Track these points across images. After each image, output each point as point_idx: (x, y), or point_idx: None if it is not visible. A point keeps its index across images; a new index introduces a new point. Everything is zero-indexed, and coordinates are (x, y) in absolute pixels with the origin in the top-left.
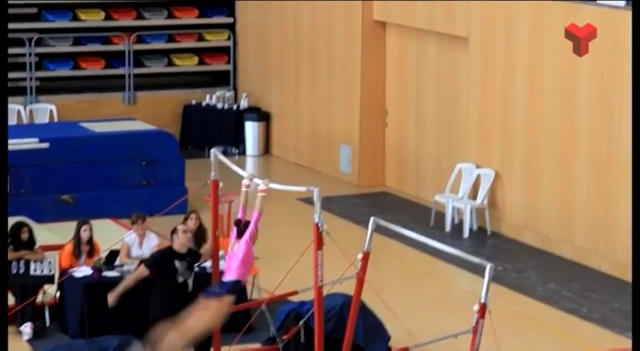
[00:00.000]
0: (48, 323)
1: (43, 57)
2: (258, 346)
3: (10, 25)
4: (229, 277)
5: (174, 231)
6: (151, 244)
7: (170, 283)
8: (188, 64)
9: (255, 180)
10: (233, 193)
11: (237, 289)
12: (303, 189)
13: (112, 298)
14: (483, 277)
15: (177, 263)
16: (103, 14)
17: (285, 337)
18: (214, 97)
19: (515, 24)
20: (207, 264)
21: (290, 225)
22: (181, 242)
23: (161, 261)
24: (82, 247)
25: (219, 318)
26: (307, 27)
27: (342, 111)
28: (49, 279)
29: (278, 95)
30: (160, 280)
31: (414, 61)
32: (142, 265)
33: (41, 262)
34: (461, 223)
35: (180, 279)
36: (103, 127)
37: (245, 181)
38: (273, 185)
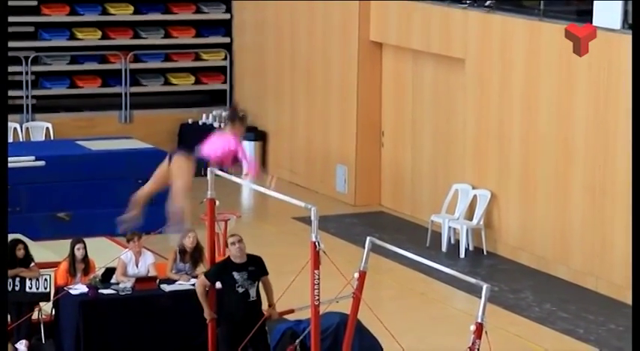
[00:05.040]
0: (43, 341)
1: (39, 75)
2: None
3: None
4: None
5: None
6: (147, 262)
7: (231, 294)
8: (184, 83)
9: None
10: (229, 211)
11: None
12: (301, 204)
13: (208, 315)
14: (479, 297)
15: (235, 275)
16: (99, 33)
17: None
18: (211, 116)
19: (511, 46)
20: None
21: (285, 244)
22: (233, 254)
23: (220, 272)
24: (77, 265)
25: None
26: (304, 47)
27: (338, 131)
28: (45, 296)
29: (274, 115)
30: (223, 291)
31: (410, 82)
32: (203, 275)
33: (37, 280)
34: (457, 243)
35: (240, 290)
36: (99, 145)
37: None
38: (274, 194)
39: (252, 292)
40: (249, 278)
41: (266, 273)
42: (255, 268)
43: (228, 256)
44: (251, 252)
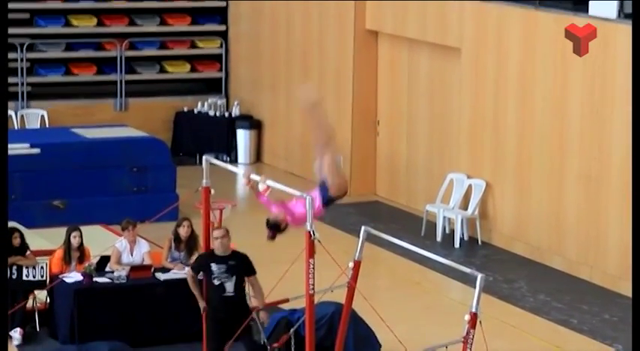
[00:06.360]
0: (38, 329)
1: (34, 62)
2: None
3: None
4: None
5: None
6: (142, 250)
7: (209, 287)
8: (180, 71)
9: (252, 176)
10: (224, 200)
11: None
12: (297, 193)
13: (200, 304)
14: (474, 287)
15: (213, 266)
16: (95, 20)
17: (275, 345)
18: (206, 104)
19: (507, 35)
20: None
21: None
22: (215, 246)
23: (201, 263)
24: (73, 253)
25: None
26: (299, 35)
27: (333, 120)
28: (42, 284)
29: (270, 103)
30: (205, 283)
31: (405, 71)
32: (189, 268)
33: (34, 268)
34: (452, 232)
35: (216, 282)
36: (94, 133)
37: (244, 180)
38: (270, 182)
39: (229, 287)
40: (227, 272)
41: (251, 273)
42: (237, 263)
43: (213, 248)
44: (246, 241)
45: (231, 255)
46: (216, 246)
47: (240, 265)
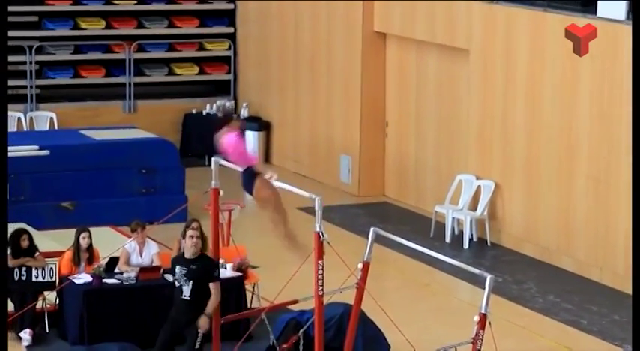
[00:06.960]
0: (47, 330)
1: (43, 65)
2: None
3: (11, 33)
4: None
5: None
6: (151, 251)
7: (174, 286)
8: (188, 73)
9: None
10: (233, 201)
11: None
12: (306, 194)
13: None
14: (483, 287)
15: (177, 267)
16: (103, 23)
17: (284, 345)
18: (214, 106)
19: (516, 37)
20: None
21: None
22: (186, 246)
23: (172, 263)
24: (82, 254)
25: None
26: (308, 37)
27: (342, 121)
28: (51, 285)
29: (278, 105)
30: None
31: (414, 73)
32: None
33: (43, 269)
34: (461, 234)
35: (177, 283)
36: (103, 135)
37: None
38: (278, 184)
39: (186, 290)
40: (186, 275)
41: (211, 279)
42: (198, 268)
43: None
44: (255, 242)
45: (196, 259)
46: (188, 244)
47: (201, 271)
